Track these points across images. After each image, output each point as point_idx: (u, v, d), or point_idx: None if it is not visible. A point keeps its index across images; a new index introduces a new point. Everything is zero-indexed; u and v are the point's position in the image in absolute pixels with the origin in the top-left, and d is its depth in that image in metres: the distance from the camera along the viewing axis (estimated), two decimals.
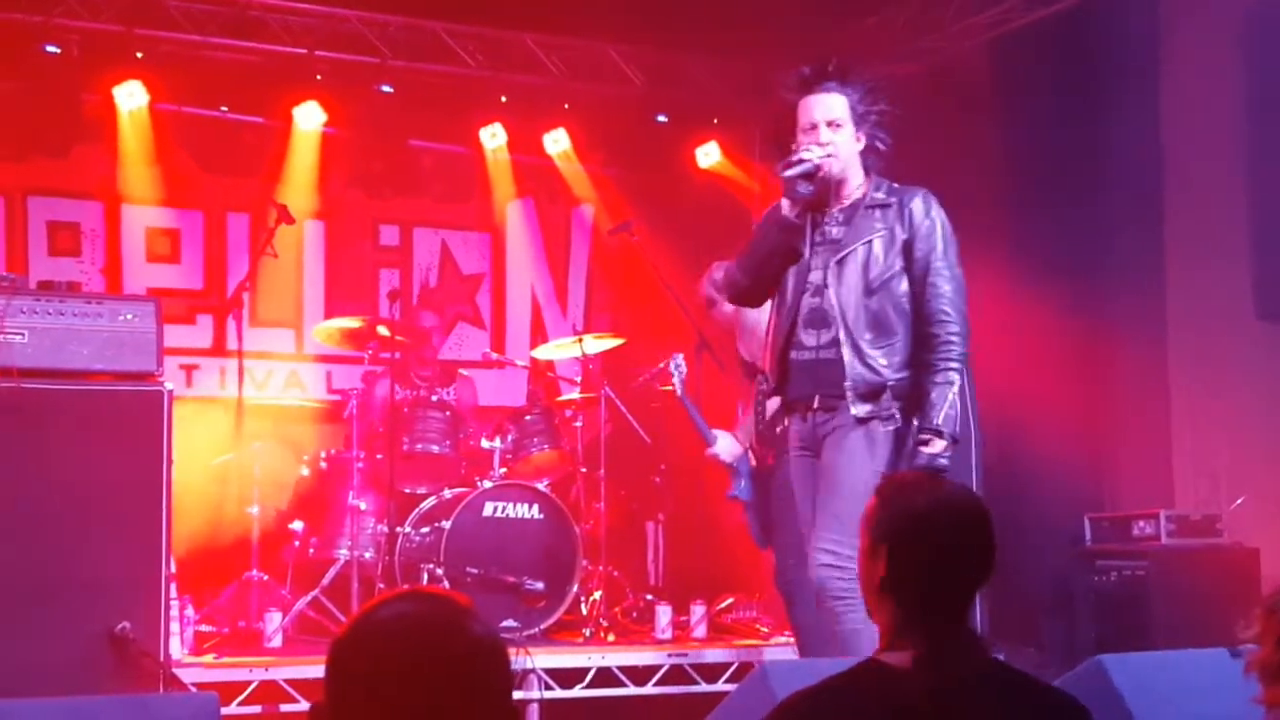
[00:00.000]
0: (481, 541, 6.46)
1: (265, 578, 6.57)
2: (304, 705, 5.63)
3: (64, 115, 7.77)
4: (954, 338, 4.21)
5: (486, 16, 7.80)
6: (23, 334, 5.14)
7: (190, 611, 5.96)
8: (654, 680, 6.20)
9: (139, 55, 7.54)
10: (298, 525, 6.84)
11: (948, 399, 4.10)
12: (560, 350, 7.50)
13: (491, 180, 8.76)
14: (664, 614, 6.57)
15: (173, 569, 5.41)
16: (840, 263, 4.27)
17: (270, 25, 7.61)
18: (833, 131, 4.30)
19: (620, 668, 6.16)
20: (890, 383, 4.19)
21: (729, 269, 4.58)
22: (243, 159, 8.25)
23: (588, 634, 6.48)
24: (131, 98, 7.65)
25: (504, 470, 6.79)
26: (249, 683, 5.63)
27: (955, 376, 4.17)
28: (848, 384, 4.19)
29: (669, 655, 6.27)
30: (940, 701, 2.22)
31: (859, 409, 4.18)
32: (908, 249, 4.28)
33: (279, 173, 8.16)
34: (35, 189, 7.92)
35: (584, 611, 6.65)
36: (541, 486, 6.77)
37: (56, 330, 5.21)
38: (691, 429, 6.17)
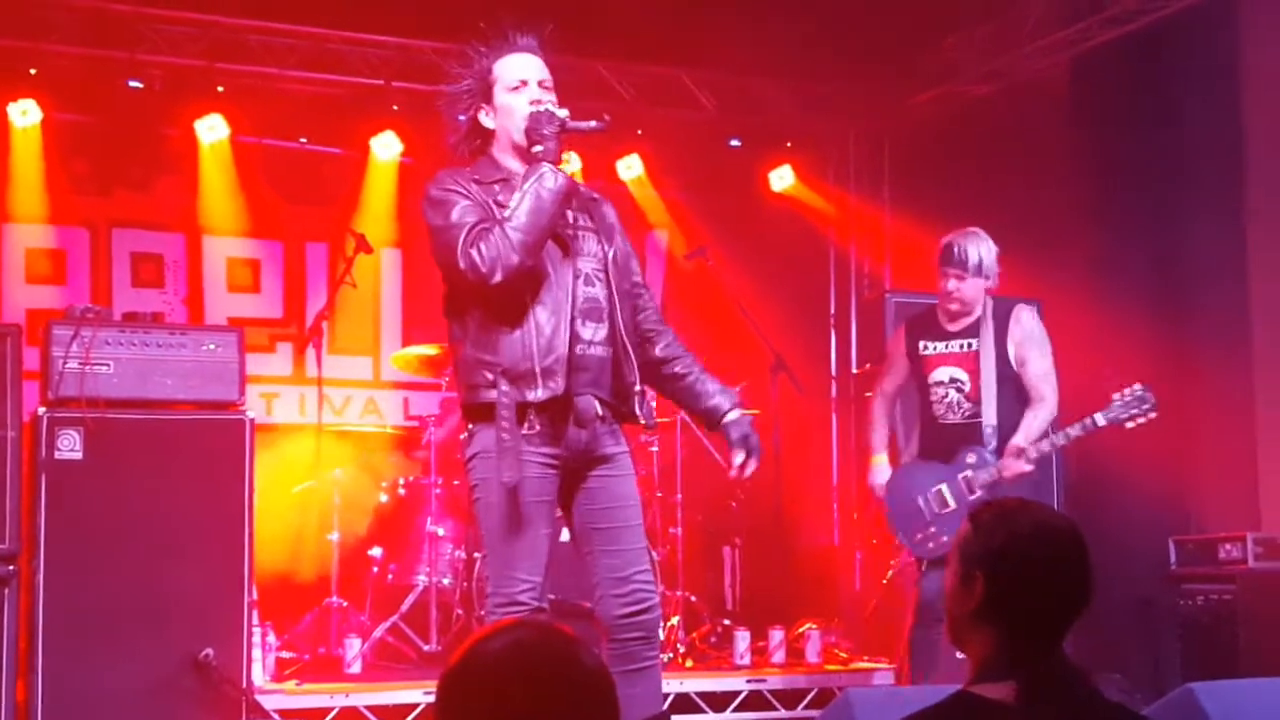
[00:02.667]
0: (558, 567, 6.37)
1: (345, 604, 6.60)
2: None
3: (146, 149, 7.91)
4: None
5: (559, 44, 7.81)
6: (108, 365, 5.24)
7: (271, 638, 6.00)
8: (733, 706, 6.17)
9: (220, 89, 7.66)
10: (377, 551, 6.88)
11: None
12: None
13: None
14: (742, 639, 6.53)
15: (254, 595, 5.47)
16: (612, 254, 3.97)
17: (348, 57, 7.70)
18: (543, 91, 3.97)
19: (699, 694, 6.13)
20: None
21: (491, 251, 3.70)
22: (321, 189, 8.34)
23: (665, 660, 6.45)
24: (212, 131, 7.77)
25: None
26: (330, 709, 5.67)
27: None
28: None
29: (747, 681, 6.23)
30: None
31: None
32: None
33: (357, 202, 8.24)
34: (119, 221, 8.05)
35: (661, 637, 6.62)
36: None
37: (141, 361, 5.30)
38: (765, 453, 6.11)
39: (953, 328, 5.51)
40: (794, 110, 8.52)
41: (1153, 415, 5.28)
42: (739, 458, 4.04)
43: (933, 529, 5.35)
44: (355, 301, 7.97)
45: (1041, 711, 2.20)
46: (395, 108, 7.95)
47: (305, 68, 7.63)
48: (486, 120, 3.98)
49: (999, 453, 5.31)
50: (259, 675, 5.62)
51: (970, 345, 5.47)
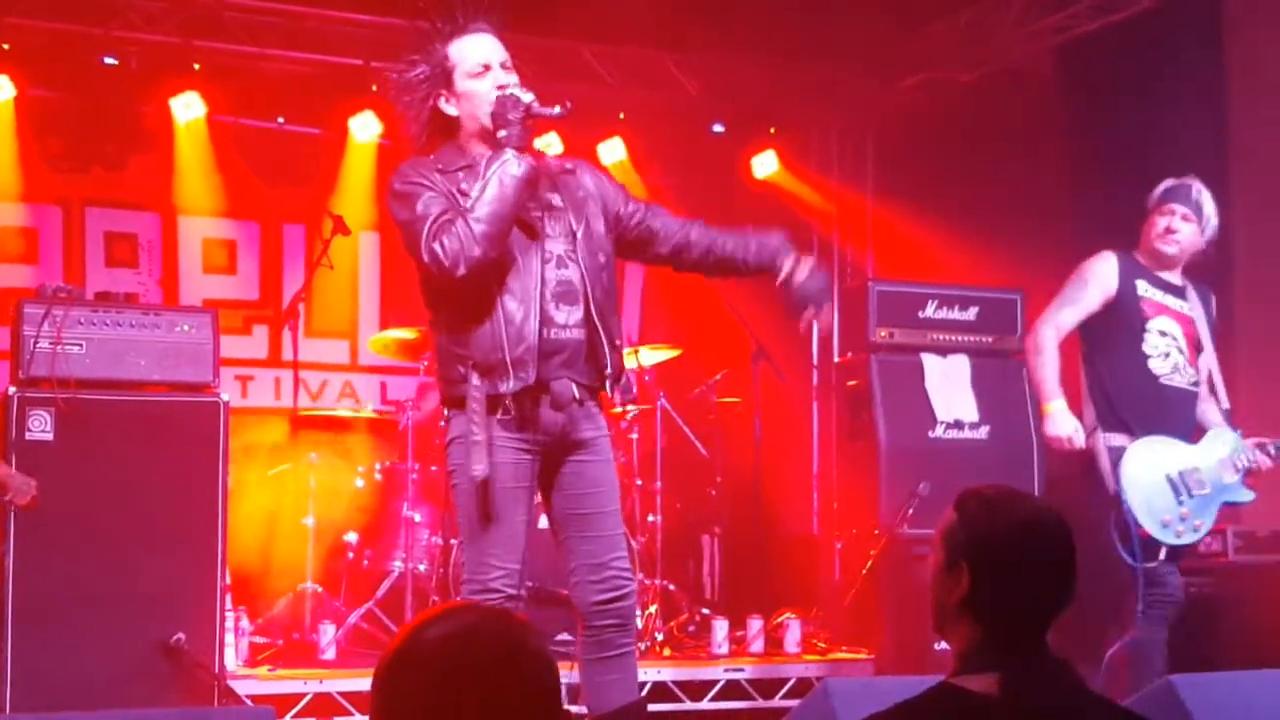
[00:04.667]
0: (536, 554, 6.35)
1: (319, 590, 6.56)
2: (358, 718, 5.61)
3: (121, 127, 7.84)
4: None
5: (540, 27, 7.76)
6: (80, 345, 5.17)
7: (245, 623, 5.95)
8: (710, 695, 6.14)
9: (196, 67, 7.58)
10: (352, 537, 6.83)
11: None
12: None
13: None
14: (720, 628, 6.50)
15: (228, 580, 5.42)
16: (585, 233, 3.87)
17: (326, 36, 7.63)
18: (506, 73, 3.83)
19: (676, 682, 6.10)
20: None
21: (453, 244, 3.61)
22: (299, 170, 8.27)
23: (643, 648, 6.41)
24: (188, 109, 7.68)
25: None
26: (303, 695, 5.62)
27: None
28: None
29: (725, 670, 6.20)
30: None
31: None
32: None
33: (335, 183, 8.18)
34: (92, 200, 7.97)
35: (639, 625, 6.59)
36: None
37: (114, 341, 5.23)
38: (745, 442, 6.08)
39: (1168, 279, 5.00)
40: (778, 96, 8.48)
41: None
42: (808, 311, 4.04)
43: (1184, 511, 4.85)
44: (332, 284, 7.91)
45: (1025, 704, 2.17)
46: (374, 88, 7.87)
47: (283, 46, 7.55)
48: (448, 108, 3.85)
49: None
50: (232, 660, 5.58)
51: (1185, 308, 4.98)
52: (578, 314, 3.81)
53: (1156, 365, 4.91)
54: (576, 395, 3.82)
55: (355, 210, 7.92)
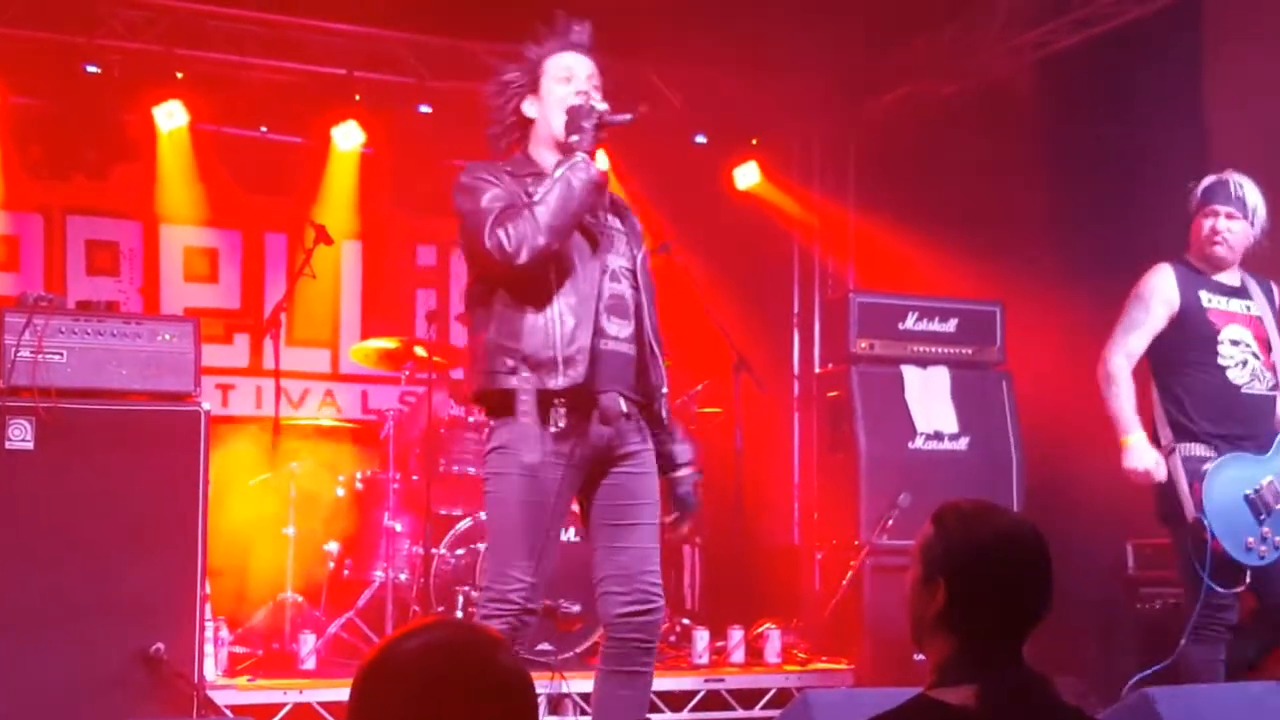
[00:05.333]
0: None
1: (300, 599, 6.54)
2: None
3: (104, 135, 7.83)
4: None
5: (526, 37, 7.78)
6: (61, 354, 5.15)
7: (224, 633, 5.94)
8: (690, 706, 6.14)
9: (179, 75, 7.57)
10: (333, 547, 6.81)
11: None
12: None
13: None
14: (700, 638, 6.51)
15: (207, 590, 5.40)
16: (640, 258, 4.03)
17: (309, 45, 7.63)
18: (590, 87, 3.97)
19: (657, 693, 6.09)
20: None
21: (518, 231, 3.67)
22: (281, 179, 8.27)
23: None
24: (171, 118, 7.67)
25: None
26: (282, 705, 5.61)
27: None
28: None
29: (705, 680, 6.21)
30: None
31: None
32: None
33: (317, 193, 8.18)
34: (74, 208, 7.96)
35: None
36: (577, 509, 6.71)
37: (95, 350, 5.20)
38: (726, 452, 6.11)
39: (1229, 283, 4.81)
40: (760, 108, 8.50)
41: None
42: (672, 515, 4.09)
43: (1266, 530, 4.63)
44: (314, 293, 7.91)
45: (1002, 716, 2.18)
46: (357, 97, 7.89)
47: (266, 55, 7.56)
48: (529, 109, 3.99)
49: None
50: (211, 670, 5.55)
51: (1250, 308, 4.78)
52: (628, 329, 3.90)
53: (1235, 376, 4.73)
54: (625, 409, 3.87)
55: (338, 219, 7.92)
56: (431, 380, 6.93)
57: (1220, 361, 4.74)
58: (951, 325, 6.79)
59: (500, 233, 3.69)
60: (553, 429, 3.74)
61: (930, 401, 6.65)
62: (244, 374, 8.24)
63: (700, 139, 8.65)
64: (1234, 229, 4.76)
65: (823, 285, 8.97)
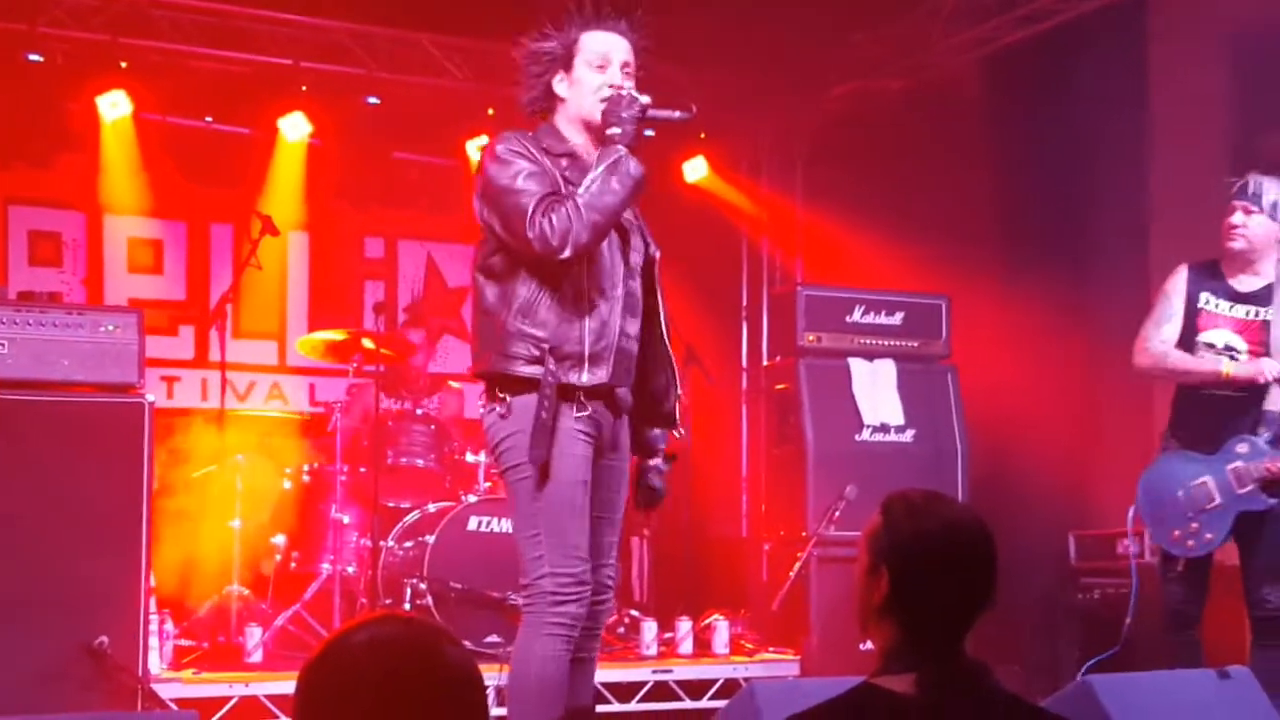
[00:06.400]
0: (465, 556, 6.40)
1: (246, 592, 6.51)
2: None
3: (47, 124, 7.74)
4: None
5: (473, 29, 7.77)
6: (3, 345, 5.09)
7: (169, 626, 5.88)
8: (638, 697, 6.16)
9: (123, 64, 7.50)
10: (279, 539, 6.78)
11: None
12: None
13: None
14: (649, 630, 6.53)
15: (152, 582, 5.36)
16: (655, 252, 4.01)
17: (256, 35, 7.57)
18: (625, 74, 3.88)
19: (605, 684, 6.11)
20: None
21: (563, 224, 3.58)
22: (227, 169, 8.21)
23: None
24: (115, 107, 7.60)
25: (489, 484, 6.75)
26: (229, 698, 5.56)
27: None
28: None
29: (653, 671, 6.22)
30: None
31: None
32: None
33: (263, 184, 8.12)
34: (16, 198, 7.87)
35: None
36: None
37: (37, 341, 5.15)
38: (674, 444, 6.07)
39: (1242, 288, 4.91)
40: (708, 102, 8.47)
41: None
42: (640, 502, 4.08)
43: (1194, 525, 4.83)
44: (261, 285, 7.85)
45: (942, 703, 2.21)
46: (304, 88, 7.85)
47: (212, 45, 7.49)
48: (560, 87, 3.86)
49: (1277, 443, 4.75)
50: (155, 663, 5.51)
51: (1257, 314, 4.86)
52: (636, 326, 3.87)
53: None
54: (628, 403, 3.88)
55: (284, 210, 7.87)
56: (379, 372, 6.91)
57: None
58: (898, 319, 6.84)
59: (544, 223, 3.58)
60: (579, 413, 3.70)
61: (877, 394, 6.70)
62: (189, 366, 8.19)
63: (649, 132, 8.62)
64: (1250, 223, 4.84)
65: (771, 279, 9.00)
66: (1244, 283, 4.91)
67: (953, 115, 7.63)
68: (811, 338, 6.70)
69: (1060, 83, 7.20)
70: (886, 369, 6.73)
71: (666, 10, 7.24)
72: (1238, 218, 4.84)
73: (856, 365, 6.69)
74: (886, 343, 6.80)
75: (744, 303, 9.15)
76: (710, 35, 7.56)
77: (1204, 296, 4.94)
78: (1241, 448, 4.80)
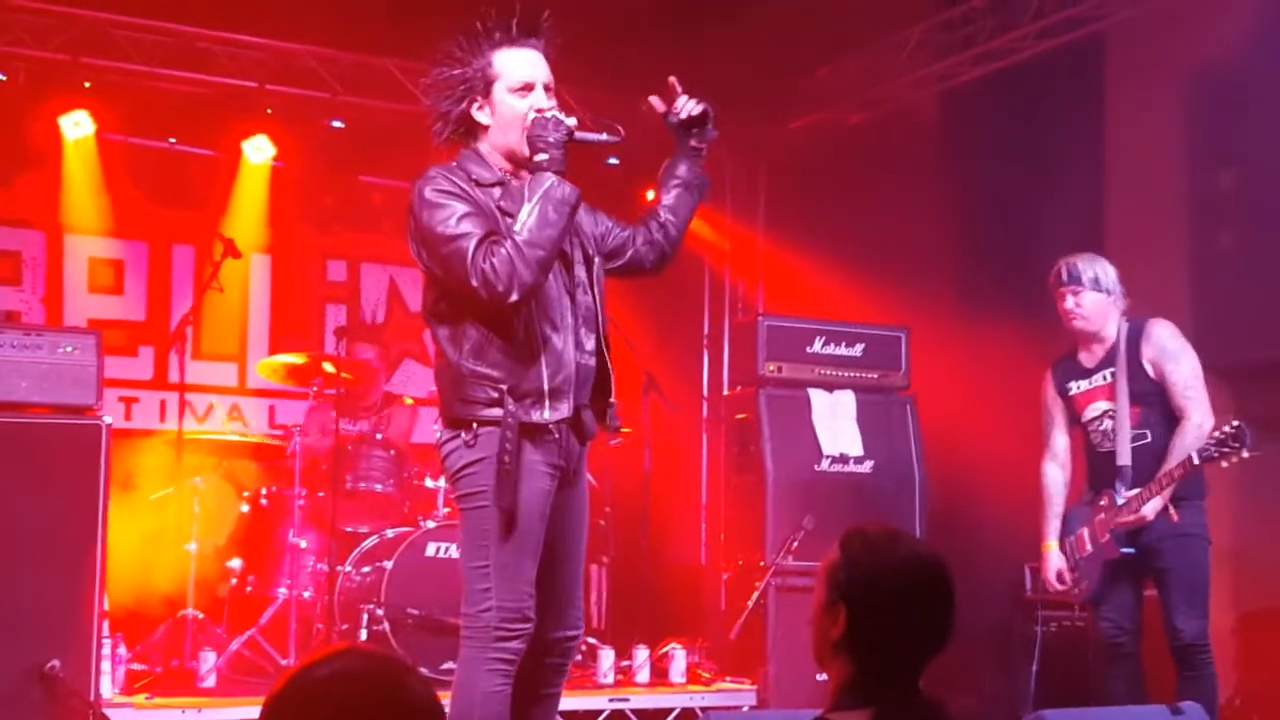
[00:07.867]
0: (423, 582, 6.38)
1: (201, 616, 6.46)
2: None
3: (8, 143, 7.70)
4: None
5: (440, 52, 7.78)
6: None
7: (122, 650, 5.83)
8: None
9: (86, 84, 7.48)
10: (236, 563, 6.73)
11: None
12: None
13: None
14: (606, 658, 6.52)
15: (105, 606, 5.32)
16: (596, 258, 3.89)
17: (219, 57, 7.56)
18: (548, 97, 3.75)
19: (561, 712, 6.06)
20: None
21: (505, 268, 3.46)
22: (190, 191, 8.19)
23: None
24: (77, 127, 7.58)
25: (447, 510, 6.73)
26: None
27: None
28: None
29: (610, 700, 6.22)
30: None
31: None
32: None
33: (226, 206, 8.11)
34: None
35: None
36: None
37: None
38: (634, 472, 6.12)
39: (1090, 362, 5.21)
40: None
41: (1244, 454, 4.71)
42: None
43: (1076, 574, 5.21)
44: (222, 307, 7.84)
45: None
46: (269, 111, 7.83)
47: (175, 66, 7.47)
48: (480, 115, 3.73)
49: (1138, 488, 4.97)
50: (107, 688, 5.46)
51: (1108, 376, 5.14)
52: (593, 340, 3.77)
53: (1096, 440, 5.19)
54: (593, 427, 3.77)
55: (247, 233, 7.86)
56: (340, 396, 6.89)
57: (1090, 438, 5.23)
58: (858, 350, 6.88)
59: (486, 269, 3.46)
60: (546, 440, 3.61)
61: (836, 425, 6.73)
62: (148, 387, 8.13)
63: (612, 160, 8.68)
64: (1084, 302, 5.14)
65: (732, 308, 9.04)
66: (1095, 352, 5.21)
67: (912, 149, 7.70)
68: (772, 368, 6.74)
69: (1019, 119, 7.28)
70: (846, 400, 6.77)
71: (629, 41, 7.32)
72: (1069, 303, 5.15)
73: (816, 395, 6.72)
74: (846, 374, 6.84)
75: (705, 332, 9.18)
76: (673, 67, 7.59)
77: (1071, 385, 5.27)
78: (1103, 501, 5.09)
